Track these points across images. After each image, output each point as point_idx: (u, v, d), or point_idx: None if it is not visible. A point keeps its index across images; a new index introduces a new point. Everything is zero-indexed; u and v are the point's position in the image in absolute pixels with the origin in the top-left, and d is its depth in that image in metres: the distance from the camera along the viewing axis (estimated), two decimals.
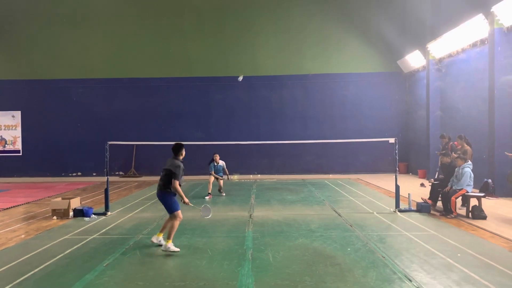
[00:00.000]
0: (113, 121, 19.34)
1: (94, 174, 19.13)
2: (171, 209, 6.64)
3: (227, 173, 12.97)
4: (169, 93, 19.55)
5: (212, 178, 12.68)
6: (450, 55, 14.79)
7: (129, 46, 19.63)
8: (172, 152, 7.22)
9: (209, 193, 12.42)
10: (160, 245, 6.63)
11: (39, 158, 19.42)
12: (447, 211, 8.88)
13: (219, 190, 12.94)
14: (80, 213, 9.29)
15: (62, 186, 15.73)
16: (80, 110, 19.51)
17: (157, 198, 6.82)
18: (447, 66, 15.18)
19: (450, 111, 14.96)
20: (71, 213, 9.31)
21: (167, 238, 6.44)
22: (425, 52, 16.06)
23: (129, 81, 19.58)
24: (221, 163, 12.87)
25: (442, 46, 14.95)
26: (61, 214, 9.27)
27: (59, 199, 9.73)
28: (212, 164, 12.74)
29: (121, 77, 19.55)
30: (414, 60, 17.41)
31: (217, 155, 12.84)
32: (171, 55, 19.60)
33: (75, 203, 9.65)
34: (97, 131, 19.06)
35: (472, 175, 8.99)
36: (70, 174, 19.49)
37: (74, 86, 19.56)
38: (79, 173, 19.49)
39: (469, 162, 9.15)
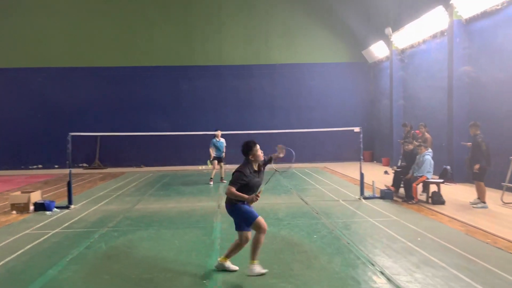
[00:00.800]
0: (75, 112, 18.73)
1: (56, 166, 18.52)
2: (249, 220, 4.95)
3: (224, 152, 13.23)
4: (135, 83, 19.10)
5: (215, 165, 12.96)
6: (412, 46, 15.21)
7: (91, 34, 18.99)
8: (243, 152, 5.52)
9: (211, 178, 12.95)
10: (230, 271, 5.07)
11: None
12: (409, 197, 9.21)
13: (221, 179, 13.22)
14: (41, 207, 8.98)
15: (22, 179, 15.13)
16: (40, 100, 18.75)
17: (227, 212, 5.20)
18: (409, 57, 15.62)
19: (412, 101, 15.44)
20: (31, 207, 8.98)
21: (251, 258, 4.84)
22: (389, 43, 16.45)
23: (92, 70, 18.96)
24: (222, 140, 13.05)
25: (404, 37, 15.35)
26: (21, 208, 8.93)
27: (19, 193, 9.38)
28: (214, 140, 12.96)
29: (83, 66, 18.90)
30: (378, 50, 17.79)
31: (219, 132, 12.98)
32: (136, 43, 19.12)
33: (36, 196, 9.31)
34: (59, 122, 18.41)
35: (432, 162, 9.36)
36: (30, 167, 18.77)
37: (33, 75, 18.75)
38: (39, 166, 18.81)
39: (430, 150, 9.51)
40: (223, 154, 13.15)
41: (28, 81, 18.76)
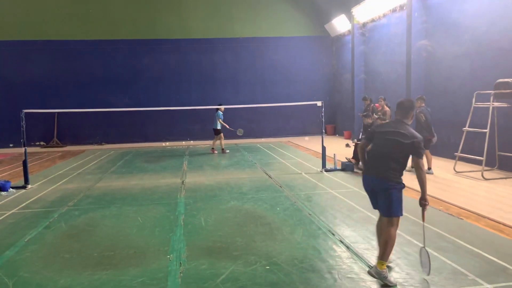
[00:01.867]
0: (29, 88, 17.80)
1: (11, 145, 17.70)
2: (395, 211, 4.00)
3: (224, 124, 14.02)
4: (91, 57, 18.32)
5: (222, 137, 13.96)
6: (373, 20, 15.40)
7: (44, 5, 17.90)
8: (400, 111, 4.20)
9: (223, 149, 13.97)
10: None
11: None
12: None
13: (223, 150, 14.04)
14: None
15: None
16: None
17: (366, 188, 4.32)
18: (370, 31, 15.83)
19: (373, 75, 15.76)
20: None
21: (380, 258, 3.96)
22: (350, 17, 16.56)
23: (45, 43, 17.97)
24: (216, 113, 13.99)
25: (365, 11, 15.49)
26: None
27: None
28: (219, 113, 13.85)
29: (35, 39, 17.87)
30: (340, 24, 17.89)
31: (222, 107, 13.83)
32: (92, 15, 18.23)
33: None
34: (11, 98, 17.48)
35: None
36: None
37: None
38: None
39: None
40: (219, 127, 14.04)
41: None
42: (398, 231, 4.18)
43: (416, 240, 5.03)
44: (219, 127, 13.94)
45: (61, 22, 18.04)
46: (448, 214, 6.14)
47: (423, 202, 4.10)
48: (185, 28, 18.81)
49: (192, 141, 18.60)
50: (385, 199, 3.99)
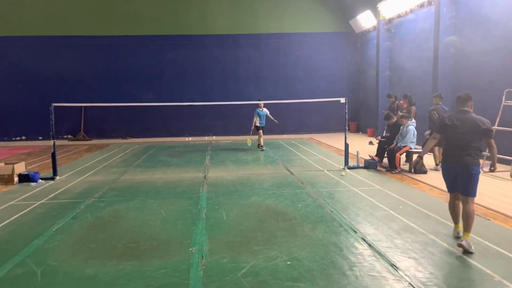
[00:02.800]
0: (57, 82, 18.28)
1: (40, 138, 18.25)
2: (473, 191, 4.66)
3: (272, 118, 13.66)
4: (117, 52, 18.66)
5: (260, 132, 13.61)
6: (399, 15, 15.10)
7: (70, 1, 18.32)
8: (460, 103, 4.83)
9: (259, 144, 13.79)
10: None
11: None
12: (392, 167, 9.38)
13: (259, 146, 13.77)
14: (25, 178, 8.92)
15: (5, 151, 14.91)
16: (19, 70, 18.23)
17: (447, 175, 4.91)
18: (396, 27, 15.53)
19: (398, 71, 15.47)
20: (16, 179, 8.91)
21: (466, 230, 4.61)
22: (376, 12, 16.28)
23: (72, 39, 18.40)
24: (265, 110, 13.53)
25: (392, 6, 15.20)
26: (5, 179, 8.85)
27: (2, 164, 9.26)
28: (257, 110, 13.48)
29: (62, 35, 18.31)
30: (365, 20, 17.62)
31: (261, 102, 13.51)
32: (117, 12, 18.54)
33: (20, 168, 9.23)
34: (41, 92, 18.00)
35: (416, 132, 9.50)
36: (14, 138, 18.48)
37: (11, 44, 18.13)
38: (23, 137, 18.52)
39: (413, 120, 9.63)
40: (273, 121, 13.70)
41: (6, 50, 18.16)
42: (422, 231, 4.88)
43: (440, 240, 4.94)
44: (259, 123, 13.50)
45: (88, 19, 18.43)
46: (475, 215, 5.98)
47: (493, 168, 4.88)
48: (209, 24, 18.91)
49: (214, 137, 18.74)
50: (468, 182, 4.64)
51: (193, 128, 19.05)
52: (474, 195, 4.68)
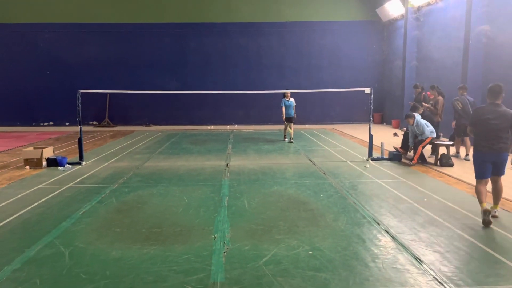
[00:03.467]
0: (83, 69, 18.62)
1: (66, 123, 18.71)
2: (504, 171, 5.44)
3: (295, 112, 13.05)
4: (141, 40, 18.83)
5: (288, 124, 12.97)
6: (428, 3, 14.65)
7: None
8: (492, 95, 5.29)
9: (285, 136, 13.29)
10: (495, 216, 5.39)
11: (8, 106, 18.73)
12: (422, 160, 9.20)
13: (289, 139, 13.06)
14: (53, 162, 9.16)
15: (34, 136, 15.36)
16: (48, 57, 18.64)
17: (481, 162, 5.36)
18: (425, 15, 15.09)
19: (426, 61, 15.07)
20: (44, 163, 9.17)
21: (496, 203, 5.50)
22: (404, 0, 15.84)
23: (98, 26, 18.66)
24: (292, 100, 12.86)
25: None
26: (34, 163, 9.12)
27: (31, 148, 9.54)
28: (283, 100, 12.82)
29: (90, 22, 18.59)
30: (393, 8, 17.19)
31: (288, 92, 12.88)
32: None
33: (48, 152, 9.48)
34: (68, 78, 18.38)
35: (426, 121, 9.27)
36: (42, 124, 19.00)
37: (40, 31, 18.53)
38: (50, 123, 19.02)
39: (416, 114, 9.38)
40: (294, 114, 12.95)
41: (35, 37, 18.58)
42: (448, 225, 4.94)
43: (467, 235, 4.83)
44: (294, 115, 12.97)
45: (114, 6, 18.62)
46: (503, 209, 5.82)
47: None
48: (233, 12, 18.82)
49: (236, 125, 18.78)
50: (502, 165, 5.34)
51: (215, 117, 19.13)
52: (504, 174, 5.42)
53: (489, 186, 5.51)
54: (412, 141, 9.50)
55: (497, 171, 5.35)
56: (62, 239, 4.83)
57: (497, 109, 5.21)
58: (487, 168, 5.33)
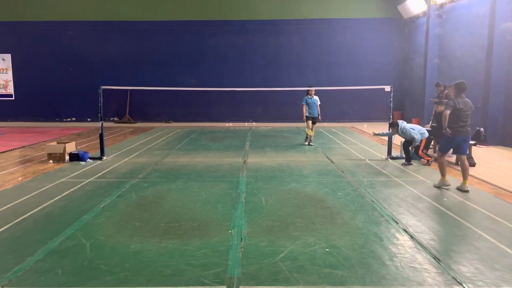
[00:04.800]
0: (105, 66, 18.95)
1: (88, 119, 19.09)
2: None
3: (319, 112, 12.03)
4: (162, 37, 19.03)
5: (309, 124, 11.82)
6: (451, 0, 14.36)
7: None
8: (462, 91, 6.80)
9: (306, 138, 12.07)
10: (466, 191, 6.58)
11: (32, 102, 19.23)
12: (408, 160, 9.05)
13: (308, 141, 11.98)
14: (75, 157, 9.37)
15: (57, 131, 15.73)
16: (71, 54, 19.03)
17: (465, 141, 6.78)
18: (448, 12, 14.79)
19: (448, 59, 14.78)
20: (66, 157, 9.39)
21: (465, 178, 6.73)
22: None
23: (120, 24, 18.95)
24: (316, 98, 11.92)
25: None
26: (57, 158, 9.35)
27: (54, 143, 9.77)
28: (305, 97, 11.92)
29: (111, 19, 18.89)
30: (414, 5, 16.90)
31: (312, 89, 11.90)
32: None
33: (71, 147, 9.71)
34: (90, 75, 18.74)
35: (412, 125, 9.08)
36: (64, 119, 19.43)
37: (63, 28, 18.93)
38: (73, 119, 19.44)
39: (400, 121, 9.18)
40: (318, 114, 11.96)
41: (58, 35, 18.98)
42: (468, 225, 4.95)
43: (487, 235, 4.74)
44: (319, 116, 12.04)
45: (134, 4, 18.87)
46: None
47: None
48: (252, 9, 18.84)
49: (254, 123, 18.82)
50: (466, 145, 6.83)
51: (233, 114, 19.21)
52: (466, 154, 6.84)
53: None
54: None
55: (462, 151, 6.77)
56: (83, 231, 4.95)
57: (465, 100, 6.70)
58: (451, 147, 6.97)
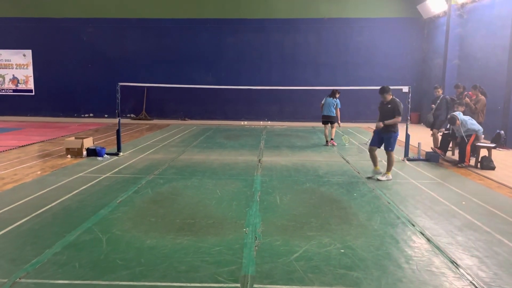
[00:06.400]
0: (123, 63, 19.15)
1: (105, 116, 19.32)
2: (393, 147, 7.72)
3: (339, 116, 11.51)
4: (180, 35, 19.13)
5: (327, 127, 11.63)
6: (473, 0, 14.08)
7: None
8: (387, 93, 7.64)
9: (326, 141, 11.72)
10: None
11: (52, 98, 19.57)
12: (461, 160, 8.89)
13: (326, 142, 11.74)
14: (93, 152, 9.50)
15: (75, 127, 15.98)
16: (90, 51, 19.29)
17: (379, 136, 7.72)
18: (469, 12, 14.50)
19: (468, 60, 14.50)
20: (84, 153, 9.53)
21: (389, 170, 7.66)
22: None
23: (139, 21, 19.12)
24: (337, 100, 11.47)
25: None
26: (75, 153, 9.50)
27: (73, 138, 9.93)
28: (326, 97, 11.52)
29: (130, 17, 19.08)
30: (435, 4, 16.63)
31: (338, 92, 11.49)
32: None
33: (88, 142, 9.85)
34: (108, 72, 18.96)
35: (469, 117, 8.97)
36: (82, 115, 19.71)
37: (83, 25, 19.20)
38: (91, 114, 19.71)
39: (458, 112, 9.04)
40: (337, 115, 11.51)
41: (79, 32, 19.26)
42: (487, 229, 4.84)
43: (507, 240, 4.64)
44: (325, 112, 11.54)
45: (153, 2, 19.01)
46: None
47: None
48: (270, 7, 18.79)
49: (269, 122, 18.79)
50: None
51: (249, 112, 19.21)
52: (392, 150, 7.64)
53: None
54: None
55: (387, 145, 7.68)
56: (100, 226, 5.02)
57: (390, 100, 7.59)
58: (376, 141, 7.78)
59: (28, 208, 5.64)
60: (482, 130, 8.90)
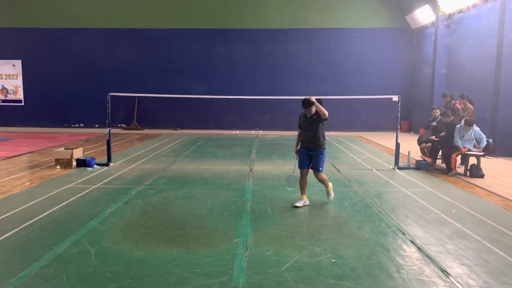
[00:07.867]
0: (114, 73, 19.11)
1: (96, 125, 19.20)
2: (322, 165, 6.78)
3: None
4: (171, 44, 19.17)
5: None
6: (460, 11, 14.33)
7: None
8: (305, 108, 6.71)
9: None
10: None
11: (41, 108, 19.42)
12: (449, 169, 8.97)
13: None
14: (83, 163, 9.41)
15: (65, 137, 15.84)
16: (80, 61, 19.22)
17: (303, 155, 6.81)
18: (457, 23, 14.76)
19: (456, 70, 14.72)
20: (74, 163, 9.44)
21: (328, 187, 6.70)
22: (435, 7, 15.55)
23: (130, 31, 19.13)
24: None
25: (453, 1, 14.45)
26: (64, 163, 9.40)
27: (62, 149, 9.84)
28: None
29: (121, 27, 19.08)
30: (423, 15, 16.90)
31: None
32: (172, 5, 19.02)
33: (78, 153, 9.76)
34: (98, 82, 18.90)
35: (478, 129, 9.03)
36: (73, 125, 19.58)
37: (74, 35, 19.16)
38: (81, 125, 19.58)
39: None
40: None
41: (69, 42, 19.21)
42: (477, 237, 4.84)
43: (496, 248, 4.66)
44: None
45: (145, 12, 19.06)
46: None
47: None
48: (261, 18, 18.94)
49: (261, 131, 18.81)
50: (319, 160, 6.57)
51: (240, 122, 19.23)
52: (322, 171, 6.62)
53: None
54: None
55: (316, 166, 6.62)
56: (89, 237, 4.95)
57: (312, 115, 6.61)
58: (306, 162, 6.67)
59: (16, 220, 5.56)
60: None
